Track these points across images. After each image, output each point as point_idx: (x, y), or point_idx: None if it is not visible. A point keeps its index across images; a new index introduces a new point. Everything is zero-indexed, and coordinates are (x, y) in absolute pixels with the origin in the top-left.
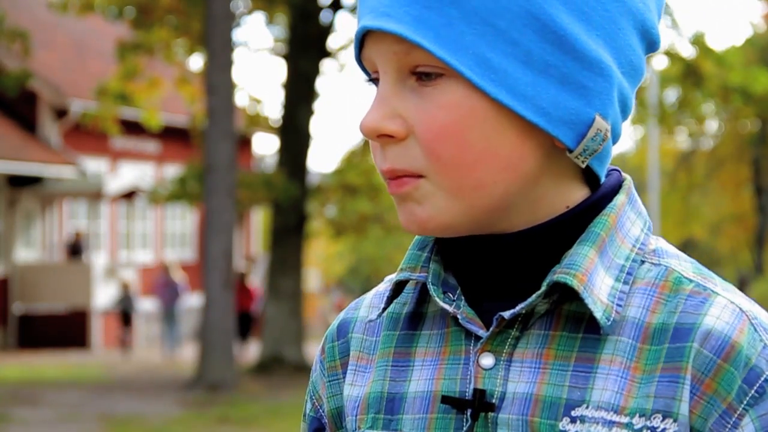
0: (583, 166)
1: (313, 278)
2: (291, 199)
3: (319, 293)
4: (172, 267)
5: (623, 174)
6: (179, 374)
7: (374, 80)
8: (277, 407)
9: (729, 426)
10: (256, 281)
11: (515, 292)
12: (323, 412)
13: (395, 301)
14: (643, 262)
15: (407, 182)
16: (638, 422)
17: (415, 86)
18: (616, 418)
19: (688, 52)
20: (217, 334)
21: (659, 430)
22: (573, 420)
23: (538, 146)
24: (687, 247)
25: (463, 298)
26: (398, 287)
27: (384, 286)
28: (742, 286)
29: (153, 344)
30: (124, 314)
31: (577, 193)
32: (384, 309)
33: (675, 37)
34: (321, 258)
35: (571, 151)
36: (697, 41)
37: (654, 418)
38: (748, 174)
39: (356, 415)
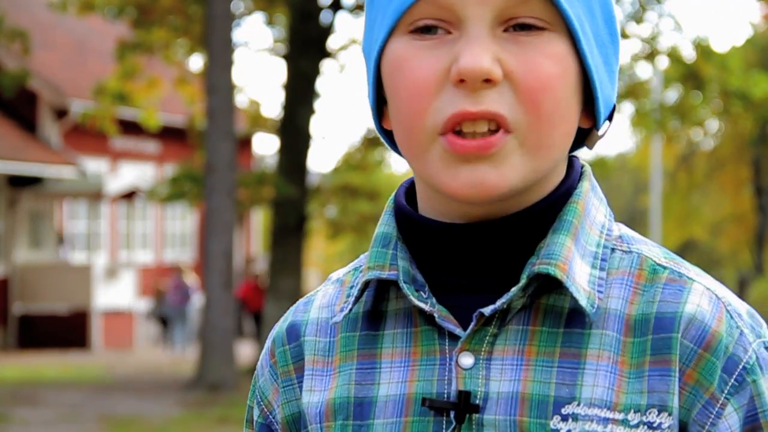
0: (591, 149)
1: (313, 278)
2: (288, 198)
3: None
4: (185, 269)
5: (581, 160)
6: (179, 374)
7: (420, 29)
8: None
9: (712, 416)
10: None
11: (486, 288)
12: (274, 418)
13: (342, 300)
14: (613, 249)
15: (495, 142)
16: (634, 418)
17: (507, 36)
18: (610, 414)
19: (689, 54)
20: (217, 334)
21: (656, 425)
22: (564, 418)
23: (577, 119)
24: (687, 247)
25: (432, 296)
26: (366, 287)
27: (333, 287)
28: (742, 286)
29: (153, 344)
30: (162, 319)
31: (563, 173)
32: (350, 309)
33: (678, 40)
34: (321, 258)
35: (598, 135)
36: (699, 44)
37: (649, 413)
38: (749, 174)
39: (321, 422)
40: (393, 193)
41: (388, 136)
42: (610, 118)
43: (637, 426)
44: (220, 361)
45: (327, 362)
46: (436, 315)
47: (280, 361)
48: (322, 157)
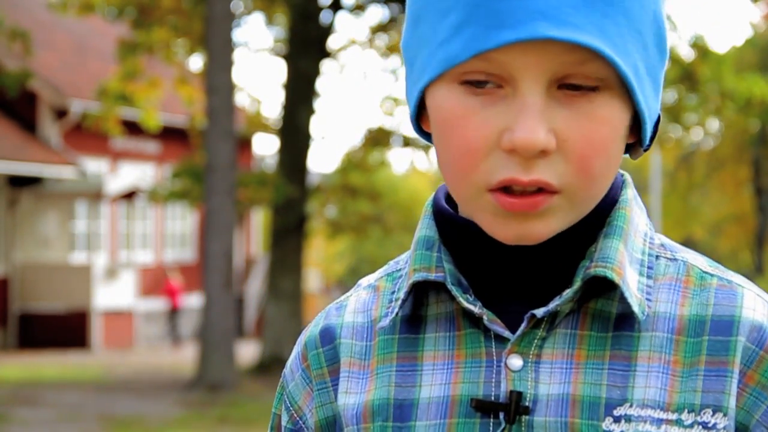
0: (636, 159)
1: (313, 278)
2: (287, 198)
3: (320, 293)
4: (170, 270)
5: (620, 170)
6: (179, 374)
7: (474, 82)
8: None
9: None
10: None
11: (533, 292)
12: (305, 423)
13: (383, 305)
14: (657, 256)
15: (541, 201)
16: (688, 418)
17: (560, 97)
18: (664, 415)
19: (686, 55)
20: (217, 334)
21: (710, 425)
22: (617, 419)
23: (622, 154)
24: (687, 247)
25: (478, 299)
26: (414, 289)
27: (366, 293)
28: None
29: (153, 344)
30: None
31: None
32: (397, 312)
33: (675, 40)
34: (321, 258)
35: (644, 149)
36: (696, 44)
37: (704, 413)
38: (748, 174)
39: (359, 424)
40: (431, 197)
41: (428, 136)
42: (654, 127)
43: (691, 426)
44: (220, 361)
45: (363, 365)
46: (485, 317)
47: (313, 365)
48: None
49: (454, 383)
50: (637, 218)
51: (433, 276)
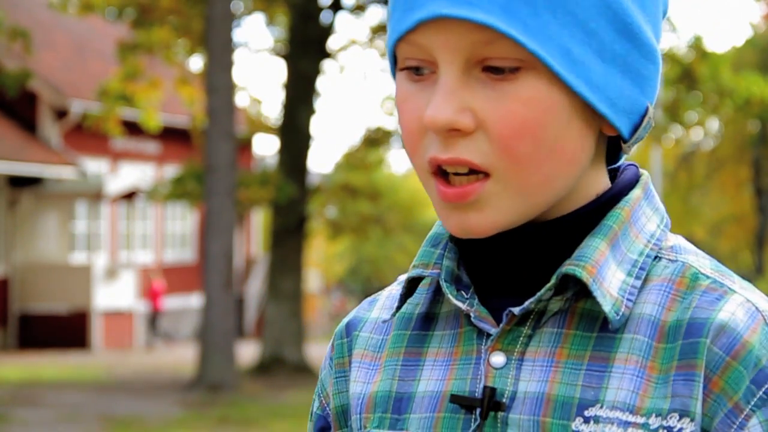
0: (628, 154)
1: (313, 279)
2: (288, 198)
3: (320, 294)
4: (153, 272)
5: (641, 169)
6: (179, 375)
7: (413, 68)
8: (277, 408)
9: (735, 426)
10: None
11: (527, 290)
12: (330, 409)
13: (408, 301)
14: (658, 258)
15: (471, 191)
16: (654, 422)
17: (484, 78)
18: (631, 418)
19: (685, 54)
20: (218, 334)
21: (676, 429)
22: (586, 420)
23: (593, 136)
24: None
25: (476, 296)
26: (411, 285)
27: (397, 288)
28: None
29: (153, 344)
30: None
31: (603, 182)
32: (398, 308)
33: (673, 40)
34: (321, 259)
35: (625, 142)
36: (695, 44)
37: (670, 418)
38: (749, 174)
39: (361, 413)
40: None
41: None
42: (641, 120)
43: (656, 430)
44: (220, 361)
45: (375, 357)
46: (472, 314)
47: (336, 353)
48: (322, 157)
49: (447, 379)
50: (645, 219)
51: (428, 272)
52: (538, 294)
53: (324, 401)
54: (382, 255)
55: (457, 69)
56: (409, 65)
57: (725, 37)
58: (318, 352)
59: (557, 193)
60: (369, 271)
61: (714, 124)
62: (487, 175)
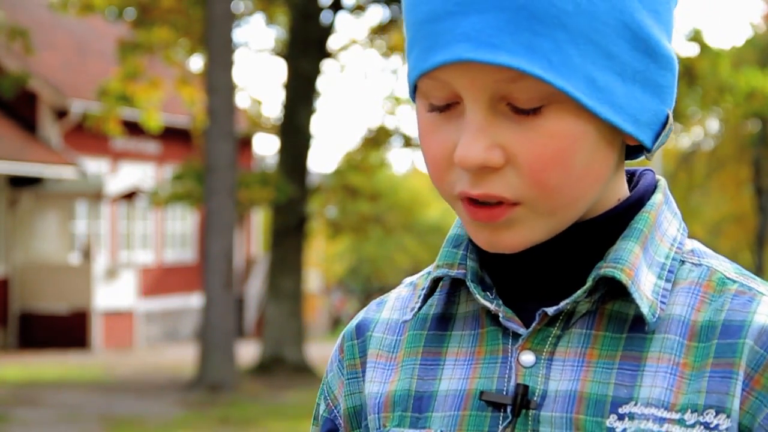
0: (651, 160)
1: (313, 279)
2: (288, 198)
3: (320, 294)
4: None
5: (657, 175)
6: (179, 375)
7: (440, 107)
8: (277, 408)
9: None
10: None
11: (553, 292)
12: (338, 412)
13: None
14: (683, 261)
15: (501, 213)
16: (690, 418)
17: (510, 113)
18: (667, 414)
19: (684, 50)
20: (218, 334)
21: (713, 425)
22: (621, 417)
23: (618, 150)
24: None
25: (499, 297)
26: (435, 284)
27: (405, 290)
28: None
29: (153, 344)
30: None
31: (624, 187)
32: (420, 308)
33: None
34: (321, 258)
35: (649, 151)
36: (695, 39)
37: (707, 414)
38: (749, 174)
39: (380, 413)
40: None
41: None
42: (663, 126)
43: (693, 426)
44: (220, 361)
45: (391, 357)
46: (501, 314)
47: (347, 355)
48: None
49: (471, 378)
50: (666, 223)
51: (454, 273)
52: (574, 295)
53: (331, 404)
54: (382, 255)
55: (484, 105)
56: (435, 104)
57: (725, 36)
58: (318, 352)
59: (585, 207)
60: (369, 271)
61: (714, 124)
62: (513, 205)
